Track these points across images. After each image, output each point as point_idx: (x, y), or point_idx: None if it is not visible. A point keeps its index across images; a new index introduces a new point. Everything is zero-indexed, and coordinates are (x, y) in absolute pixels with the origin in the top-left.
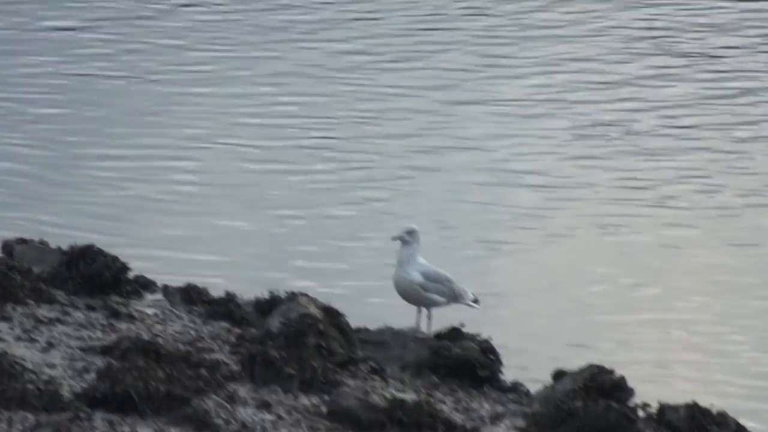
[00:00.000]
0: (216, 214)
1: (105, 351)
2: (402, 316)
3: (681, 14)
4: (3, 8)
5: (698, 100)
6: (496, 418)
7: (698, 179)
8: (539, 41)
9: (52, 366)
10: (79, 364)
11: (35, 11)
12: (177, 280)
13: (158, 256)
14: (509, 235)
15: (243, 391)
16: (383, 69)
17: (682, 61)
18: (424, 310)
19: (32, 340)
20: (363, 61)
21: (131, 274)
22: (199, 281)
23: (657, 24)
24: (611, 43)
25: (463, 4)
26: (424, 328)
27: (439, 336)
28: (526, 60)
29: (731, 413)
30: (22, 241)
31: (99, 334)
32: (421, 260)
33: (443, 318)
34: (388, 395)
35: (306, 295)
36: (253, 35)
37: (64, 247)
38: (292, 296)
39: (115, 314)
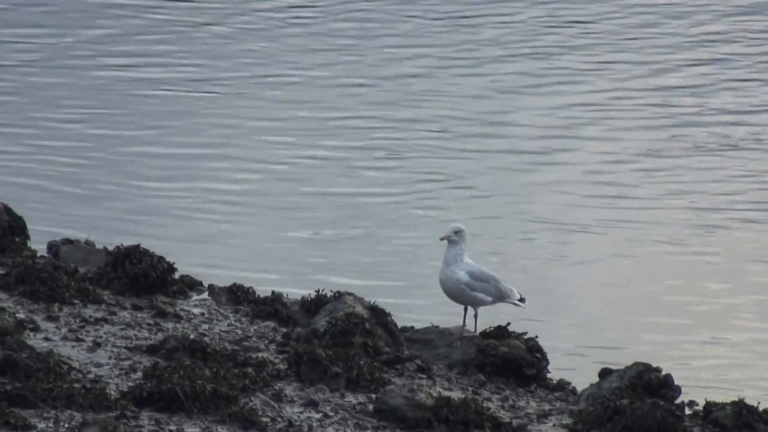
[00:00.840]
0: (264, 219)
1: (151, 350)
2: (448, 315)
3: None
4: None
5: None
6: (542, 416)
7: None
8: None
9: (98, 365)
10: (126, 363)
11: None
12: (223, 281)
13: (204, 256)
14: (563, 243)
15: (289, 389)
16: (455, 74)
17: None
18: (470, 309)
19: (79, 340)
20: (437, 66)
21: (177, 274)
22: (245, 281)
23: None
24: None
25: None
26: (470, 327)
27: (485, 335)
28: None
29: None
30: (68, 242)
31: (145, 333)
32: (468, 260)
33: (490, 317)
34: (434, 393)
35: (352, 295)
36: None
37: (110, 247)
38: (338, 295)
39: (162, 314)
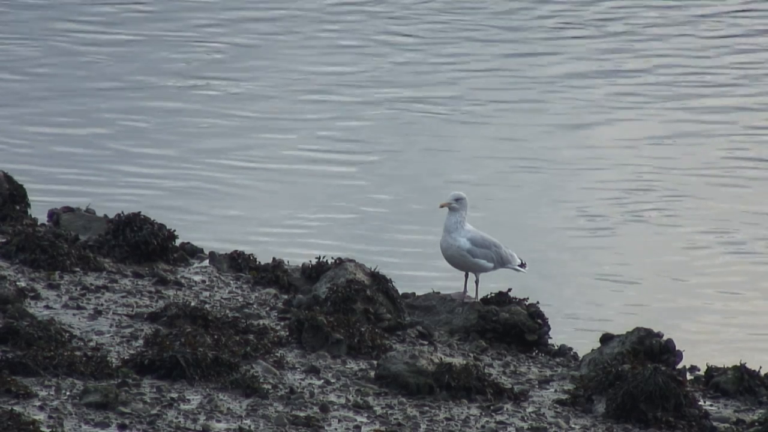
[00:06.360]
0: (264, 188)
1: (152, 318)
2: (449, 281)
3: None
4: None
5: None
6: (544, 382)
7: None
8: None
9: (99, 333)
10: (127, 331)
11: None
12: (224, 248)
13: (205, 224)
14: (568, 210)
15: (291, 356)
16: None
17: None
18: (471, 275)
19: (80, 308)
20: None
21: (178, 242)
22: (245, 249)
23: None
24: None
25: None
26: (471, 293)
27: (486, 300)
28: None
29: None
30: (69, 210)
31: (146, 301)
32: (468, 226)
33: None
34: (436, 359)
35: (353, 261)
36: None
37: (111, 215)
38: (339, 262)
39: (163, 281)
